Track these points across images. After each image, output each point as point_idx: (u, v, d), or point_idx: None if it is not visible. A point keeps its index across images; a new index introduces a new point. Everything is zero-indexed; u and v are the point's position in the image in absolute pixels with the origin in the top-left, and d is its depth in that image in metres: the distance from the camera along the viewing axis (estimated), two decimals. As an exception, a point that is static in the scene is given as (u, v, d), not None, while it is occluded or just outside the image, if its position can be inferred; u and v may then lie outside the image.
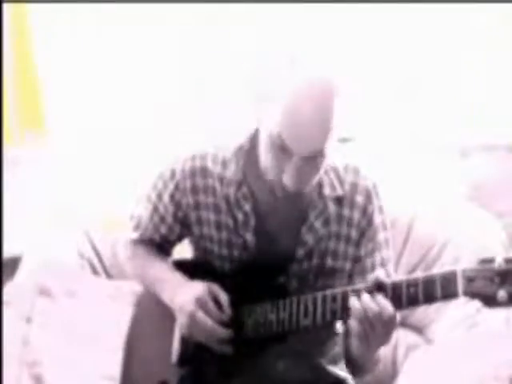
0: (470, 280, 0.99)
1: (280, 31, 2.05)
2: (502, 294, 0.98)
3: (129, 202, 1.99)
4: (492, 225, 1.82)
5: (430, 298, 1.03)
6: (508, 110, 1.98)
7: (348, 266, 1.27)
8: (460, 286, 0.99)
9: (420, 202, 1.78)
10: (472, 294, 0.99)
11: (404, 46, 1.89)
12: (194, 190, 1.28)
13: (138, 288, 1.81)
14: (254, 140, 1.23)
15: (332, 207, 1.25)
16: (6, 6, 2.02)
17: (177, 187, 1.29)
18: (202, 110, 2.16)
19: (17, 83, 2.11)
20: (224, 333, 1.21)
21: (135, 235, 1.38)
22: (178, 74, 2.15)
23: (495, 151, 2.01)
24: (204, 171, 1.27)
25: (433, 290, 1.02)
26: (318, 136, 1.08)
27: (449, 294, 1.01)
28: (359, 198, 1.25)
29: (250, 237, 1.26)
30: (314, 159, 1.10)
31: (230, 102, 2.08)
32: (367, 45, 1.99)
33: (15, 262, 1.81)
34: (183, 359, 1.29)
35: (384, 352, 1.23)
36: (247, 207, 1.25)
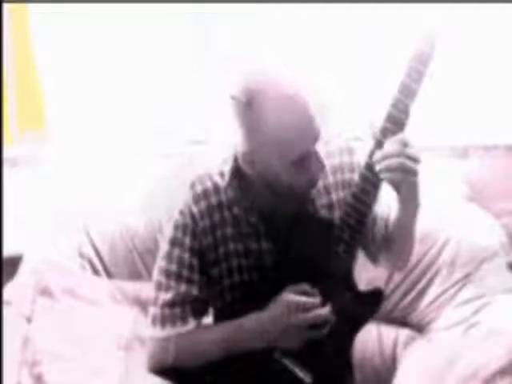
0: None
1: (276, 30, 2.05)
2: None
3: (129, 202, 2.00)
4: (491, 224, 1.82)
5: None
6: (508, 110, 1.98)
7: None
8: None
9: (420, 201, 1.78)
10: None
11: (403, 44, 1.89)
12: (203, 214, 1.29)
13: (138, 288, 1.81)
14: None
15: (325, 212, 1.30)
16: (5, 5, 2.02)
17: (194, 233, 1.29)
18: (203, 111, 2.16)
19: (17, 83, 2.10)
20: (325, 310, 1.23)
21: None
22: (178, 74, 2.15)
23: (495, 151, 2.01)
24: (205, 194, 1.29)
25: None
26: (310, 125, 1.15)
27: None
28: None
29: (264, 245, 1.29)
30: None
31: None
32: (367, 43, 1.99)
33: (15, 262, 1.81)
34: None
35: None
36: (253, 219, 1.28)
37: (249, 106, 1.13)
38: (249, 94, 1.13)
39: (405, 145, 1.11)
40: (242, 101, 1.14)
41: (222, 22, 2.12)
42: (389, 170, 1.11)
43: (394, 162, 1.10)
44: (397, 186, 1.16)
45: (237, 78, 1.18)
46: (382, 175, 1.13)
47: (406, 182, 1.13)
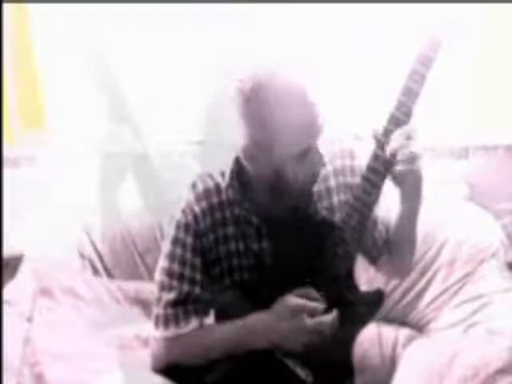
0: None
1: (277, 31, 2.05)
2: None
3: (129, 202, 2.00)
4: (491, 224, 1.82)
5: None
6: (508, 110, 1.98)
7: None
8: None
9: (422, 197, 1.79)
10: None
11: (404, 44, 1.89)
12: (205, 213, 1.29)
13: (138, 288, 1.82)
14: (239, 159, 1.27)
15: (326, 214, 1.30)
16: (5, 5, 2.02)
17: (196, 232, 1.29)
18: (203, 111, 2.16)
19: (17, 83, 2.11)
20: (329, 317, 1.22)
21: None
22: (178, 74, 2.15)
23: (495, 151, 2.01)
24: (207, 193, 1.29)
25: None
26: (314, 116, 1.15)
27: None
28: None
29: (265, 245, 1.29)
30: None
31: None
32: (370, 43, 1.99)
33: (15, 262, 1.81)
34: None
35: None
36: (255, 220, 1.28)
37: (253, 96, 1.13)
38: (254, 83, 1.13)
39: (410, 137, 1.12)
40: (246, 90, 1.14)
41: (222, 21, 2.12)
42: (398, 161, 1.12)
43: (402, 153, 1.11)
44: (403, 180, 1.16)
45: (243, 68, 1.18)
46: (393, 167, 1.14)
47: (412, 173, 1.14)
